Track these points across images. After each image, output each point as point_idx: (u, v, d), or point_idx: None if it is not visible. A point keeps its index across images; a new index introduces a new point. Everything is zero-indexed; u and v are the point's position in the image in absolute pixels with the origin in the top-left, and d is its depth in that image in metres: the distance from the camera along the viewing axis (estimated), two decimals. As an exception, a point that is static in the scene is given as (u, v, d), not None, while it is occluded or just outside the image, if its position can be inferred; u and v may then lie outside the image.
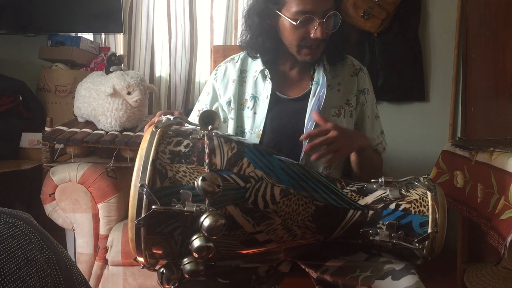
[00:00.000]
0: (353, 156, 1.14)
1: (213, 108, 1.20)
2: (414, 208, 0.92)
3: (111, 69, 1.77)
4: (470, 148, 1.48)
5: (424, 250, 0.90)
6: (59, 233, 1.75)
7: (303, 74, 1.19)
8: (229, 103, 1.19)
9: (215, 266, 1.01)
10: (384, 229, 0.91)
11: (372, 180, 0.96)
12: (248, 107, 1.18)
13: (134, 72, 1.78)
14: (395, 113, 2.42)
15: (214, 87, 1.22)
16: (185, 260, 0.84)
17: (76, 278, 0.81)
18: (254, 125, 1.16)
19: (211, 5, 2.38)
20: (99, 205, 1.65)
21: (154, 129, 0.86)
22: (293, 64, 1.18)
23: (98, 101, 1.70)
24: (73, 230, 1.69)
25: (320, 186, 0.91)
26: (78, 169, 1.63)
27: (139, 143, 0.85)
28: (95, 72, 1.90)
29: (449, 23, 2.38)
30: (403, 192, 0.94)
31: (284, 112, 1.16)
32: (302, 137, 1.05)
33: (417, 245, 0.89)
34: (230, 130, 1.19)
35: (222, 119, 1.20)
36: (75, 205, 1.64)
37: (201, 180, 0.79)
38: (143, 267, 0.88)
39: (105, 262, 1.66)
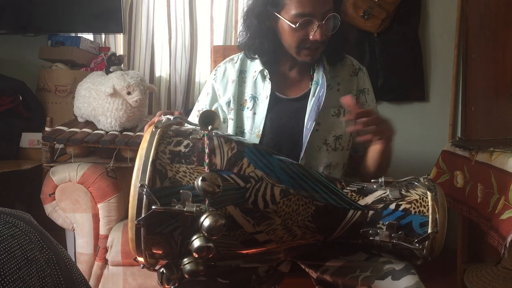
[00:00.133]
0: (380, 147, 1.09)
1: (213, 109, 1.20)
2: (414, 208, 0.92)
3: (111, 69, 1.77)
4: (470, 148, 1.48)
5: (424, 250, 0.90)
6: (59, 233, 1.75)
7: (303, 74, 1.19)
8: (228, 103, 1.19)
9: (215, 266, 1.01)
10: (384, 229, 0.91)
11: (372, 180, 0.96)
12: (247, 108, 1.18)
13: (134, 72, 1.78)
14: (395, 113, 2.42)
15: (214, 87, 1.22)
16: (185, 260, 0.84)
17: (76, 278, 0.81)
18: (254, 126, 1.16)
19: (211, 5, 2.38)
20: (99, 205, 1.65)
21: (154, 129, 0.86)
22: (293, 64, 1.18)
23: (98, 101, 1.70)
24: (73, 230, 1.69)
25: (320, 186, 0.91)
26: (78, 169, 1.63)
27: (139, 143, 0.85)
28: (95, 72, 1.90)
29: (449, 23, 2.38)
30: (403, 192, 0.94)
31: (284, 112, 1.16)
32: (346, 117, 1.03)
33: (417, 245, 0.89)
34: (230, 130, 1.19)
35: (221, 120, 1.20)
36: (75, 205, 1.64)
37: (201, 180, 0.79)
38: (143, 267, 0.88)
39: (105, 262, 1.66)
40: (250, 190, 0.85)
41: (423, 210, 0.91)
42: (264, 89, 1.17)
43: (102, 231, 1.66)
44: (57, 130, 1.71)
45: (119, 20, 2.24)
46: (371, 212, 0.92)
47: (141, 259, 0.85)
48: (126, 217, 1.70)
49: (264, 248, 0.91)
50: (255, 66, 1.19)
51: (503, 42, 1.97)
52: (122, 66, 1.81)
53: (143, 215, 0.79)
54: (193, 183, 0.81)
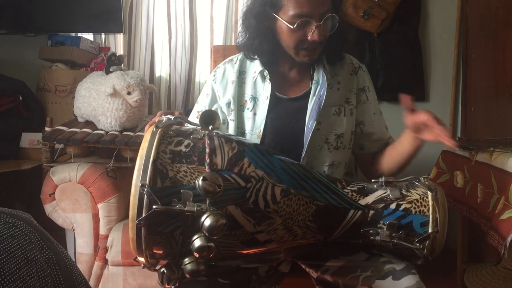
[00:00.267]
0: (416, 147, 1.12)
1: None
2: (414, 208, 0.92)
3: (111, 69, 1.77)
4: (470, 148, 1.48)
5: (425, 250, 0.90)
6: (59, 233, 1.74)
7: (303, 74, 1.19)
8: (228, 104, 1.19)
9: (216, 266, 1.01)
10: (385, 229, 0.91)
11: (372, 180, 0.96)
12: (248, 108, 1.18)
13: (134, 72, 1.77)
14: (395, 113, 2.40)
15: (213, 88, 1.22)
16: (186, 260, 0.83)
17: (76, 278, 0.81)
18: (255, 126, 1.16)
19: (211, 5, 2.38)
20: (99, 205, 1.65)
21: (154, 129, 0.86)
22: (292, 64, 1.18)
23: (98, 101, 1.70)
24: (73, 230, 1.69)
25: (321, 186, 0.91)
26: (78, 169, 1.63)
27: (139, 143, 0.85)
28: (95, 72, 1.90)
29: (449, 23, 2.38)
30: (403, 192, 0.94)
31: (284, 112, 1.16)
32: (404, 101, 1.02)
33: (417, 245, 0.90)
34: (231, 131, 1.18)
35: (221, 121, 1.20)
36: (75, 205, 1.64)
37: (202, 180, 0.79)
38: (143, 267, 0.87)
39: (105, 262, 1.66)
40: (250, 189, 0.85)
41: (423, 210, 0.91)
42: (264, 90, 1.17)
43: (102, 231, 1.66)
44: (57, 130, 1.71)
45: (119, 20, 2.24)
46: (371, 212, 0.92)
47: (141, 259, 0.85)
48: (126, 217, 1.71)
49: (265, 248, 0.91)
50: (254, 67, 1.19)
51: (503, 42, 1.97)
52: (122, 66, 1.81)
53: (144, 215, 0.79)
54: (194, 182, 0.81)
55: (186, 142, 0.87)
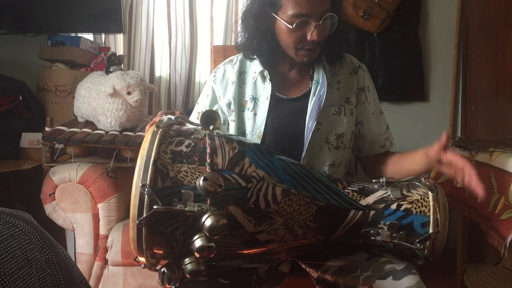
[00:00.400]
0: (423, 170, 1.07)
1: None
2: (415, 208, 0.92)
3: (111, 69, 1.76)
4: (470, 148, 1.48)
5: (426, 251, 0.90)
6: (59, 233, 1.74)
7: (303, 74, 1.19)
8: (229, 105, 1.19)
9: (216, 266, 1.01)
10: (386, 229, 0.91)
11: (373, 180, 0.96)
12: (248, 109, 1.18)
13: (134, 72, 1.77)
14: (395, 113, 2.42)
15: (213, 89, 1.22)
16: (187, 260, 0.83)
17: (76, 278, 0.81)
18: (255, 127, 1.16)
19: (211, 5, 2.38)
20: (99, 205, 1.65)
21: (155, 129, 0.86)
22: (292, 64, 1.18)
23: (98, 101, 1.70)
24: (73, 230, 1.69)
25: (322, 186, 0.91)
26: (78, 169, 1.63)
27: (139, 143, 0.85)
28: (95, 72, 1.90)
29: (449, 23, 2.38)
30: (404, 192, 0.93)
31: (285, 112, 1.16)
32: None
33: (418, 245, 0.90)
34: (231, 132, 1.18)
35: (222, 121, 1.19)
36: (75, 205, 1.64)
37: (203, 180, 0.79)
38: (144, 267, 0.87)
39: (105, 262, 1.66)
40: (251, 190, 0.85)
41: (424, 210, 0.91)
42: (265, 90, 1.17)
43: (102, 231, 1.66)
44: (57, 130, 1.71)
45: (119, 20, 2.24)
46: (372, 212, 0.92)
47: (142, 259, 0.85)
48: (126, 217, 1.71)
49: (266, 248, 0.91)
50: (254, 67, 1.19)
51: (503, 42, 1.97)
52: (122, 66, 1.81)
53: (144, 215, 0.79)
54: (195, 182, 0.81)
55: (187, 142, 0.87)
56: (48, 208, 1.67)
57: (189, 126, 0.94)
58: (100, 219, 1.66)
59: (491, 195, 1.32)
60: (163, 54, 2.39)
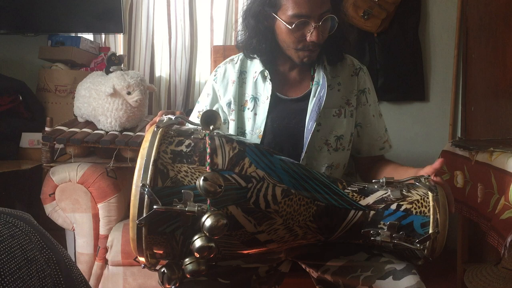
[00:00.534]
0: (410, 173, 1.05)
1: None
2: (415, 208, 0.92)
3: (111, 69, 1.76)
4: (470, 148, 1.48)
5: (425, 251, 0.90)
6: (59, 233, 1.74)
7: (303, 74, 1.19)
8: (229, 104, 1.19)
9: (216, 266, 1.01)
10: (385, 230, 0.91)
11: (373, 181, 0.96)
12: (248, 108, 1.18)
13: (134, 72, 1.77)
14: (395, 113, 2.42)
15: (214, 88, 1.22)
16: (187, 260, 0.83)
17: (76, 278, 0.81)
18: (255, 126, 1.16)
19: (211, 5, 2.38)
20: (99, 205, 1.65)
21: (155, 129, 0.86)
22: (293, 64, 1.17)
23: (98, 101, 1.70)
24: (73, 230, 1.69)
25: (322, 186, 0.91)
26: (78, 169, 1.63)
27: (139, 143, 0.85)
28: (95, 72, 1.89)
29: (449, 23, 2.38)
30: (404, 192, 0.93)
31: (285, 112, 1.16)
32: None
33: (418, 245, 0.89)
34: (231, 131, 1.18)
35: (222, 121, 1.19)
36: (75, 205, 1.64)
37: (203, 180, 0.79)
38: (144, 267, 0.87)
39: (105, 262, 1.66)
40: (251, 190, 0.85)
41: (424, 211, 0.91)
42: (265, 90, 1.17)
43: (102, 231, 1.66)
44: (57, 130, 1.71)
45: (119, 20, 2.24)
46: (372, 212, 0.92)
47: (142, 259, 0.85)
48: (126, 217, 1.71)
49: (266, 248, 0.91)
50: (255, 67, 1.19)
51: (503, 42, 1.97)
52: (122, 66, 1.80)
53: (144, 215, 0.79)
54: (195, 182, 0.81)
55: (187, 142, 0.87)
56: (48, 208, 1.67)
57: (189, 126, 0.94)
58: (100, 219, 1.66)
59: (491, 195, 1.32)
60: (163, 54, 2.39)
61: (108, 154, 1.70)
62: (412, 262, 0.97)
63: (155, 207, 0.78)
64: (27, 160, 1.99)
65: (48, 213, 1.67)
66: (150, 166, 0.81)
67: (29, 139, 2.02)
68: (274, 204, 0.86)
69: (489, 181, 1.33)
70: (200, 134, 0.88)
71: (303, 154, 1.11)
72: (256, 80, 1.18)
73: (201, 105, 1.23)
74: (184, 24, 2.36)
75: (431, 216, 0.90)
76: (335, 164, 1.17)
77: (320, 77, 1.15)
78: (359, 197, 0.93)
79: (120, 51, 2.36)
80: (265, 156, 0.90)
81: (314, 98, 1.14)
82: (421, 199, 0.93)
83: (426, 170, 0.98)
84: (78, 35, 2.26)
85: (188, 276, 0.84)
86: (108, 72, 1.78)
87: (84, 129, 1.73)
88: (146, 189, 0.79)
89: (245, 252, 0.91)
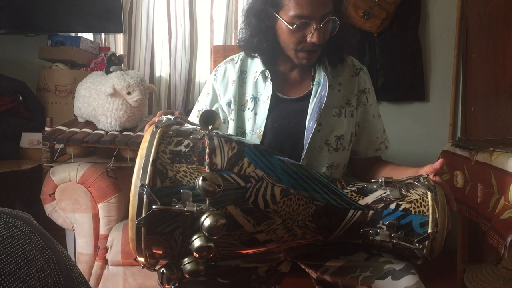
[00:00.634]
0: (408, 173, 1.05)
1: (213, 109, 1.20)
2: (414, 208, 0.92)
3: (111, 69, 1.77)
4: (470, 148, 1.48)
5: (424, 250, 0.90)
6: (59, 233, 1.74)
7: (304, 74, 1.19)
8: (229, 104, 1.19)
9: (215, 266, 1.01)
10: (384, 229, 0.91)
11: (372, 180, 0.96)
12: (248, 108, 1.18)
13: (134, 72, 1.78)
14: (395, 113, 2.42)
15: (214, 88, 1.22)
16: (186, 260, 0.84)
17: (76, 278, 0.81)
18: (255, 126, 1.16)
19: (211, 5, 2.38)
20: (99, 205, 1.65)
21: (154, 129, 0.86)
22: (294, 64, 1.17)
23: (98, 101, 1.70)
24: (73, 230, 1.69)
25: (321, 186, 0.91)
26: (78, 169, 1.63)
27: (139, 143, 0.85)
28: (95, 72, 1.90)
29: (449, 23, 2.38)
30: (403, 192, 0.93)
31: (285, 112, 1.16)
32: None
33: (417, 245, 0.89)
34: (231, 131, 1.18)
35: (222, 120, 1.19)
36: (75, 205, 1.64)
37: (202, 180, 0.79)
38: (143, 267, 0.88)
39: (105, 262, 1.66)
40: (250, 190, 0.85)
41: (423, 210, 0.91)
42: (265, 90, 1.17)
43: (102, 231, 1.66)
44: (57, 130, 1.71)
45: (119, 20, 2.24)
46: (371, 212, 0.92)
47: (141, 259, 0.85)
48: (126, 217, 1.71)
49: (265, 248, 0.91)
50: (256, 67, 1.19)
51: (503, 42, 1.97)
52: (122, 66, 1.81)
53: (143, 215, 0.79)
54: (194, 182, 0.81)
55: (186, 142, 0.87)
56: (48, 208, 1.67)
57: (188, 126, 0.94)
58: (100, 219, 1.66)
59: (491, 195, 1.32)
60: (163, 54, 2.39)
61: (108, 154, 1.70)
62: (411, 262, 0.97)
63: (154, 207, 0.78)
64: (27, 160, 2.00)
65: (48, 213, 1.68)
66: (149, 166, 0.81)
67: (29, 139, 2.02)
68: (273, 204, 0.86)
69: (489, 181, 1.33)
70: (199, 134, 0.88)
71: (303, 154, 1.11)
72: (257, 80, 1.18)
73: (201, 105, 1.23)
74: (184, 24, 2.36)
75: (430, 216, 0.90)
76: (336, 164, 1.17)
77: (321, 77, 1.15)
78: (358, 197, 0.93)
79: (120, 51, 2.36)
80: (264, 156, 0.90)
81: (315, 98, 1.14)
82: (420, 198, 0.93)
83: (426, 169, 0.98)
84: (78, 35, 2.26)
85: (187, 276, 0.84)
86: (108, 72, 1.78)
87: (84, 129, 1.73)
88: (145, 189, 0.79)
89: (244, 252, 0.91)
